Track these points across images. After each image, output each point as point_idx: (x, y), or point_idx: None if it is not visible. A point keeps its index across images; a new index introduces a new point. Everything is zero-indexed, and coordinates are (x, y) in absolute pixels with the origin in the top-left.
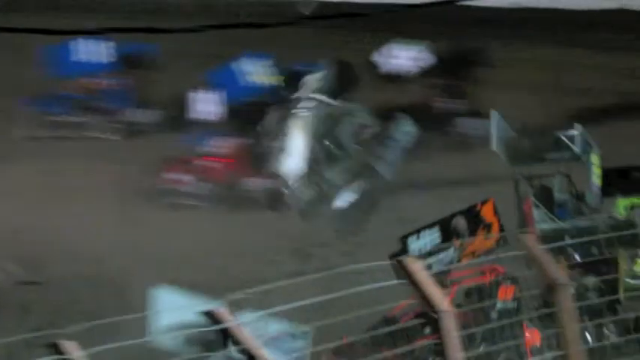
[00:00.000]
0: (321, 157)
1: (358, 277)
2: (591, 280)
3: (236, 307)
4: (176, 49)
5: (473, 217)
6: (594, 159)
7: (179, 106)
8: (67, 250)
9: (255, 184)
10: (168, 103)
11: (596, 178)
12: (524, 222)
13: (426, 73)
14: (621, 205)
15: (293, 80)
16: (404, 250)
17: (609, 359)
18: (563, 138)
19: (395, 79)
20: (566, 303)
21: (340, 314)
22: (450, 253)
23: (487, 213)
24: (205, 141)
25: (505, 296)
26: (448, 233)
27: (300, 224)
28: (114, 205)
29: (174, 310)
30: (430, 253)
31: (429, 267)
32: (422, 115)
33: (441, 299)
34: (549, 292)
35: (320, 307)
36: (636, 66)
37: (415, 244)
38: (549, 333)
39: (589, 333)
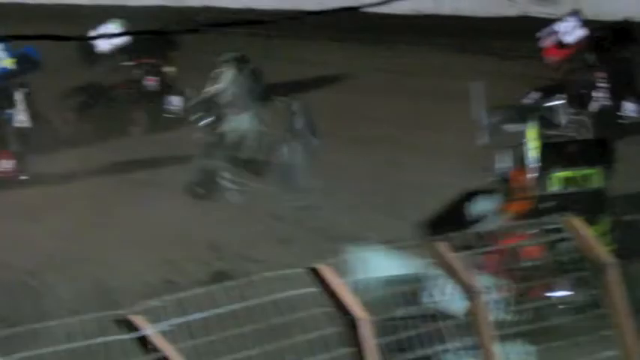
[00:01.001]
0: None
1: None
2: None
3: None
4: None
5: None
6: (530, 133)
7: None
8: None
9: None
10: None
11: (533, 153)
12: None
13: (125, 51)
14: (556, 180)
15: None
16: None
17: None
18: None
19: (100, 58)
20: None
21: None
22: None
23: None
24: None
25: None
26: None
27: None
28: None
29: (377, 269)
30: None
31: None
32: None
33: (357, 306)
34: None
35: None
36: (533, 73)
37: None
38: None
39: None
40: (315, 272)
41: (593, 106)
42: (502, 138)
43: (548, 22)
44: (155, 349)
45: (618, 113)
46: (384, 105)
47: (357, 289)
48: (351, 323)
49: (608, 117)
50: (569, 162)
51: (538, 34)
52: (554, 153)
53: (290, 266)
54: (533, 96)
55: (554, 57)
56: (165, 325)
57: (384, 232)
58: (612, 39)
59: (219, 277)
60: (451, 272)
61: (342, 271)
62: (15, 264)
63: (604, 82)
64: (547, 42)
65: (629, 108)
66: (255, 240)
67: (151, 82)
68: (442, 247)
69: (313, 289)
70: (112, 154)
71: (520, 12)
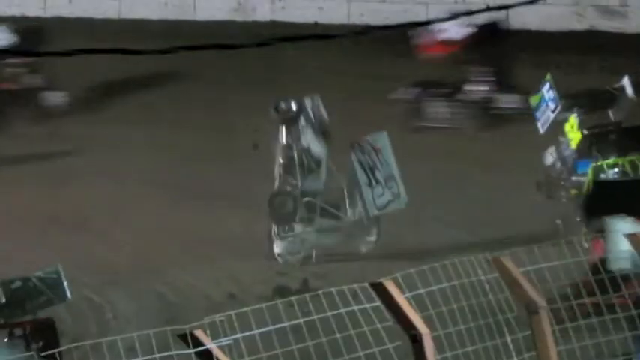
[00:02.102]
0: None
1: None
2: None
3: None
4: None
5: None
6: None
7: None
8: None
9: None
10: None
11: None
12: None
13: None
14: (603, 167)
15: None
16: None
17: None
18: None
19: None
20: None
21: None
22: None
23: None
24: None
25: None
26: None
27: None
28: None
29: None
30: None
31: None
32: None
33: (421, 322)
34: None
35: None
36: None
37: None
38: None
39: None
40: (378, 287)
41: (474, 99)
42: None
43: (615, 36)
44: None
45: (498, 105)
46: None
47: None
48: (414, 338)
49: (487, 109)
50: (613, 150)
51: (411, 33)
52: (598, 142)
53: (354, 281)
54: (411, 91)
55: (436, 54)
56: (227, 340)
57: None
58: (491, 36)
59: (282, 291)
60: (515, 286)
61: (406, 285)
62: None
63: (485, 76)
64: (426, 40)
65: (507, 100)
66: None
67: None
68: (507, 261)
69: (377, 304)
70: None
71: (588, 26)
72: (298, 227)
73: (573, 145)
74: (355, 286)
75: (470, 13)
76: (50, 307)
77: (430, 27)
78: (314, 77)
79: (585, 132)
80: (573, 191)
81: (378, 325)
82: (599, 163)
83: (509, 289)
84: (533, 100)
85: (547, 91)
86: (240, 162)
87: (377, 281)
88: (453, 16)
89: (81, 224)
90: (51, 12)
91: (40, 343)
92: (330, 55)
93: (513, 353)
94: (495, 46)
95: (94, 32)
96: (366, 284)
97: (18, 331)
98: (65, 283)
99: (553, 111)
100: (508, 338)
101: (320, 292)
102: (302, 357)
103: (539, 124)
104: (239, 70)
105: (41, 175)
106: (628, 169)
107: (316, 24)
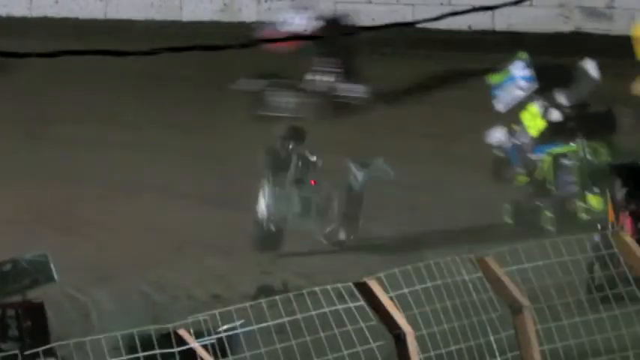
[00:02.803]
0: None
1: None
2: None
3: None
4: None
5: None
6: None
7: None
8: None
9: None
10: None
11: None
12: None
13: None
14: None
15: None
16: None
17: None
18: None
19: None
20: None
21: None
22: None
23: None
24: None
25: None
26: None
27: None
28: None
29: None
30: None
31: None
32: None
33: (404, 322)
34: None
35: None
36: None
37: None
38: None
39: None
40: (362, 287)
41: (318, 89)
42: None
43: (601, 38)
44: None
45: (343, 94)
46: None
47: None
48: (398, 338)
49: (331, 98)
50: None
51: (254, 25)
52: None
53: (337, 281)
54: (254, 82)
55: (282, 46)
56: (211, 339)
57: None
58: (337, 29)
59: (266, 290)
60: (498, 286)
61: (389, 285)
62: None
63: (329, 67)
64: (271, 33)
65: (352, 89)
66: (302, 254)
67: None
68: (491, 260)
69: (360, 303)
70: None
71: (574, 28)
72: (290, 186)
73: (533, 132)
74: (339, 285)
75: (455, 13)
76: (38, 287)
77: (276, 20)
78: None
79: (551, 119)
80: (523, 177)
81: (362, 325)
82: (558, 150)
83: (493, 289)
84: (494, 79)
85: (520, 70)
86: (227, 162)
87: (361, 281)
88: (439, 17)
89: (66, 223)
90: (37, 12)
91: (29, 324)
92: None
93: (497, 353)
94: (341, 39)
95: (81, 33)
96: (350, 284)
97: (10, 312)
98: (52, 266)
99: (523, 90)
100: (492, 338)
101: (304, 291)
102: (286, 356)
103: (499, 103)
104: (226, 71)
105: (28, 174)
106: (588, 154)
107: None
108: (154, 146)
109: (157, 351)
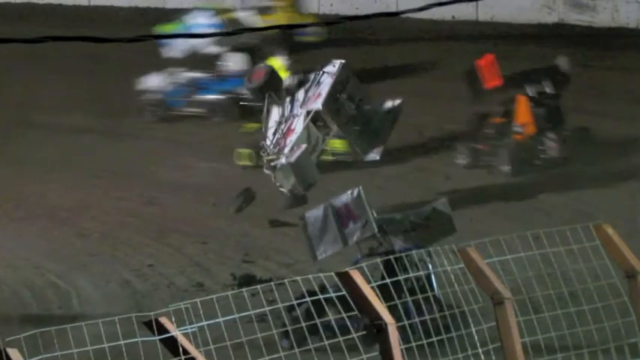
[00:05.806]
0: None
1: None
2: None
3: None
4: None
5: None
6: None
7: None
8: None
9: None
10: None
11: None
12: None
13: None
14: None
15: None
16: None
17: None
18: None
19: None
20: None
21: None
22: None
23: None
24: None
25: None
26: None
27: None
28: None
29: None
30: None
31: None
32: None
33: (386, 312)
34: None
35: None
36: None
37: None
38: None
39: None
40: (344, 276)
41: None
42: None
43: (584, 29)
44: (182, 351)
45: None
46: None
47: None
48: (379, 328)
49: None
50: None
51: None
52: None
53: (319, 270)
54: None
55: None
56: (192, 327)
57: None
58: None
59: (248, 279)
60: (480, 277)
61: (371, 275)
62: (44, 266)
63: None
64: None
65: None
66: (283, 244)
67: None
68: (473, 252)
69: (342, 293)
70: None
71: (557, 19)
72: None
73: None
74: (321, 275)
75: (440, 4)
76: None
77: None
78: None
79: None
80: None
81: (344, 315)
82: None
83: (475, 280)
84: (166, 28)
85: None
86: (209, 153)
87: (343, 270)
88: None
89: (47, 212)
90: None
91: None
92: None
93: (478, 344)
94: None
95: (65, 19)
96: (332, 273)
97: None
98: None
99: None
100: (473, 329)
101: (286, 280)
102: (267, 345)
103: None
104: None
105: (10, 166)
106: None
107: None
108: (137, 134)
109: (139, 339)
